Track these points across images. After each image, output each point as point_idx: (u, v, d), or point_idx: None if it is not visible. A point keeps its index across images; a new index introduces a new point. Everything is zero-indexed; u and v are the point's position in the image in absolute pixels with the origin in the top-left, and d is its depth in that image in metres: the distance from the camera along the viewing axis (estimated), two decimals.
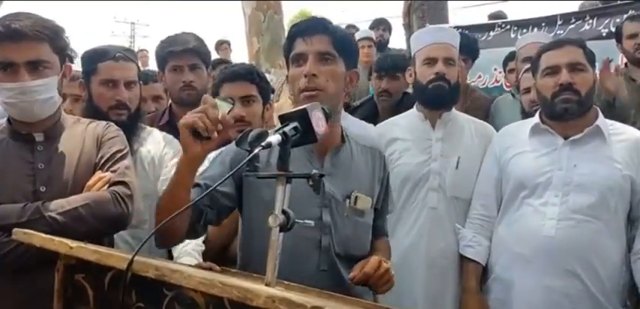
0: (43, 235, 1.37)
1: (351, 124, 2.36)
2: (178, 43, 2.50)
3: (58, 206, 1.61)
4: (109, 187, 1.69)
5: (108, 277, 1.29)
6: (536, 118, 2.17)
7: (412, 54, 2.53)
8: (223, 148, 1.72)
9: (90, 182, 1.71)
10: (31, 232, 1.38)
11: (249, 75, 2.23)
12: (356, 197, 1.72)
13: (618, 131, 2.08)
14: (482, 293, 2.22)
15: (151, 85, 2.96)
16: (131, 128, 2.09)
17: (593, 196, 1.97)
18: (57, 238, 1.34)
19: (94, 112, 2.09)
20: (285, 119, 1.33)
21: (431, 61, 2.34)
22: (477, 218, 2.22)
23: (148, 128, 2.25)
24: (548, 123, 2.12)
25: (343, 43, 1.72)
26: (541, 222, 2.01)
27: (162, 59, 2.55)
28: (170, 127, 2.47)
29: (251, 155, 1.25)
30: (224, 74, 2.26)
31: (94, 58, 2.14)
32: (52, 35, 1.69)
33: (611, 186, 1.97)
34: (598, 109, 2.13)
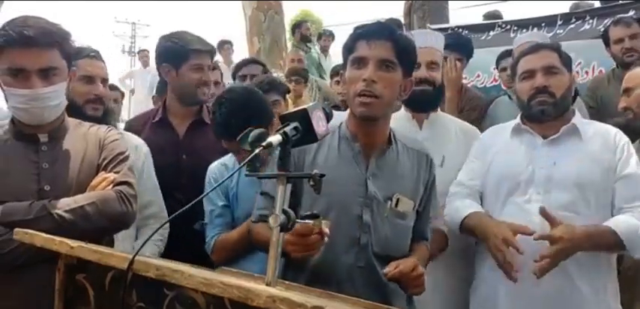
0: (45, 235, 1.37)
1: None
2: (202, 42, 2.52)
3: (64, 204, 1.64)
4: (113, 187, 1.73)
5: (109, 276, 1.30)
6: (517, 119, 2.23)
7: None
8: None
9: (94, 182, 1.74)
10: (33, 232, 1.39)
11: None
12: (397, 199, 1.75)
13: (595, 128, 2.14)
14: (470, 293, 2.23)
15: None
16: (106, 124, 2.11)
17: (573, 192, 2.01)
18: (58, 238, 1.35)
19: (69, 107, 2.04)
20: (285, 119, 1.34)
21: (416, 65, 2.36)
22: (460, 192, 2.21)
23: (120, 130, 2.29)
24: (528, 124, 2.17)
25: (405, 51, 1.73)
26: (525, 219, 2.01)
27: (180, 54, 2.48)
28: (163, 124, 2.51)
29: (252, 155, 1.25)
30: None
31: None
32: (61, 41, 1.72)
33: (590, 181, 2.01)
34: (575, 109, 2.19)
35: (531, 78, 2.12)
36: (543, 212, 1.93)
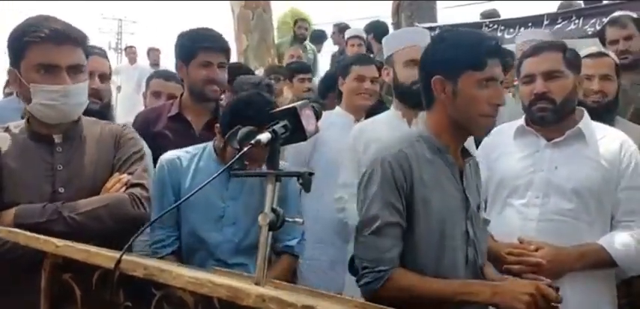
0: (28, 233, 1.36)
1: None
2: (213, 39, 2.50)
3: (77, 207, 1.63)
4: (126, 189, 1.72)
5: (95, 276, 1.28)
6: (521, 120, 2.18)
7: (389, 54, 2.55)
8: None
9: (108, 184, 1.73)
10: (16, 230, 1.38)
11: None
12: (482, 206, 1.75)
13: (602, 133, 2.08)
14: None
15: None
16: (103, 119, 2.14)
17: (573, 198, 1.97)
18: (43, 237, 1.33)
19: None
20: (274, 117, 1.33)
21: (413, 63, 2.34)
22: None
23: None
24: (532, 126, 2.12)
25: None
26: (522, 222, 2.01)
27: (189, 51, 2.49)
28: (179, 119, 2.49)
29: (241, 153, 1.25)
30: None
31: None
32: (85, 39, 1.73)
33: (591, 187, 1.97)
34: (584, 110, 2.12)
35: (532, 82, 2.05)
36: (521, 241, 1.94)
